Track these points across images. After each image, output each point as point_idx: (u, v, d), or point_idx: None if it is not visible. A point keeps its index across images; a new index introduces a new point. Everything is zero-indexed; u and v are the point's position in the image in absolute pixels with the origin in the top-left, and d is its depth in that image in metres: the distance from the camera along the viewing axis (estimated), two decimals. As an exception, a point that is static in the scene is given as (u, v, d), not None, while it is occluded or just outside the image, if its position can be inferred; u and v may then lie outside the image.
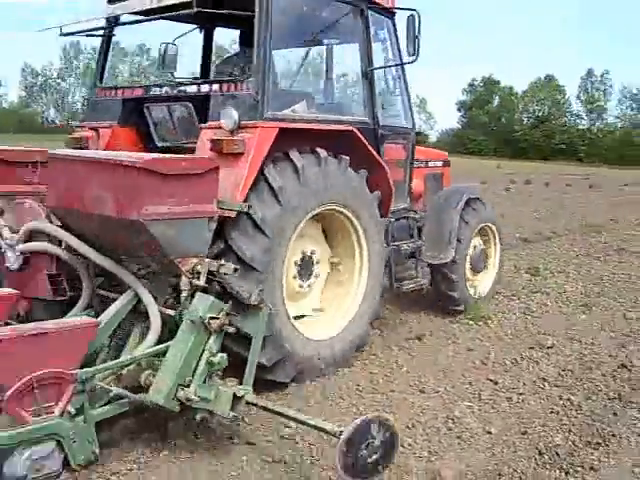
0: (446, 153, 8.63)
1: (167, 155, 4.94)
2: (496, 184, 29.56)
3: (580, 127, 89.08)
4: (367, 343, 6.47)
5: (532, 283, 9.60)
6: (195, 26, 7.05)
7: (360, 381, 5.71)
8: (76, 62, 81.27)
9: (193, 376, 4.05)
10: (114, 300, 4.58)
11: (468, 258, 7.72)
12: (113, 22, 6.36)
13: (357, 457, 3.56)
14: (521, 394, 5.54)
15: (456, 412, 5.10)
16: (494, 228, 8.22)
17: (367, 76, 6.35)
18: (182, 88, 5.90)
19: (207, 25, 7.12)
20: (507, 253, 10.41)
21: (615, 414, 5.17)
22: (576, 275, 10.37)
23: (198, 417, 4.14)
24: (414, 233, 7.26)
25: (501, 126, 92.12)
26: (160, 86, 6.10)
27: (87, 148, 6.06)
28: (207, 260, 4.40)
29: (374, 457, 3.65)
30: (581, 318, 7.97)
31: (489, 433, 4.78)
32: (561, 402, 5.37)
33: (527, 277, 10.09)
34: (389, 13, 6.76)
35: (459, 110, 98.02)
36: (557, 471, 4.24)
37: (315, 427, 4.05)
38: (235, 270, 4.36)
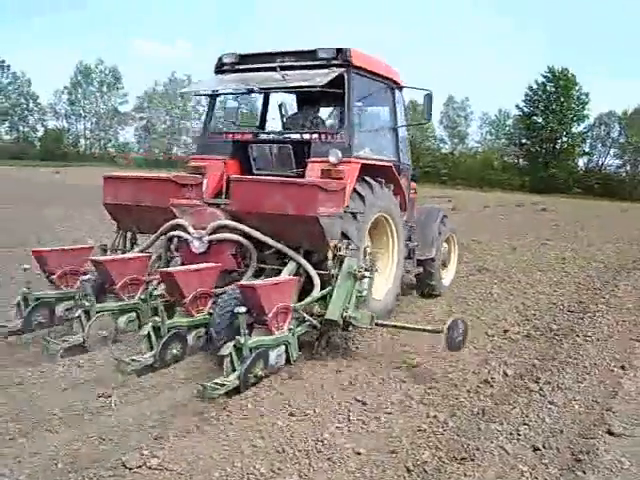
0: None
1: (326, 179, 7.58)
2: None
3: (443, 151, 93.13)
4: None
5: (399, 304, 9.84)
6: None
7: (228, 406, 5.62)
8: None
9: (349, 304, 6.84)
10: (272, 270, 7.35)
11: (440, 257, 10.65)
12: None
13: (452, 339, 6.74)
14: (389, 413, 5.65)
15: (326, 434, 5.12)
16: (454, 236, 11.53)
17: (394, 130, 9.66)
18: (286, 135, 9.31)
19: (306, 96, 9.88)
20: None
21: (479, 429, 5.39)
22: (441, 295, 10.75)
23: (350, 328, 7.04)
24: (411, 237, 9.79)
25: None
26: (267, 133, 9.86)
27: (204, 175, 8.56)
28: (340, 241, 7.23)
29: (459, 341, 6.86)
30: (446, 336, 8.25)
31: (358, 454, 4.84)
32: (428, 420, 5.53)
33: (395, 297, 10.33)
34: (400, 88, 9.81)
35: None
36: (425, 488, 4.35)
37: (424, 330, 7.41)
38: (348, 246, 7.23)
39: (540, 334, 8.62)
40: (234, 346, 5.94)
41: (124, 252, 8.33)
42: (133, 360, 6.23)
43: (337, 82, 8.15)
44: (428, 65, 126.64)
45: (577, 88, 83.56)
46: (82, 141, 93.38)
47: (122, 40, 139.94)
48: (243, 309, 5.89)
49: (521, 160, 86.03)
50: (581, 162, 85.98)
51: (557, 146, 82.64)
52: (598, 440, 5.21)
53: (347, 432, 5.24)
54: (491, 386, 6.46)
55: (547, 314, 9.85)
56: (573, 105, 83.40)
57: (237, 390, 5.84)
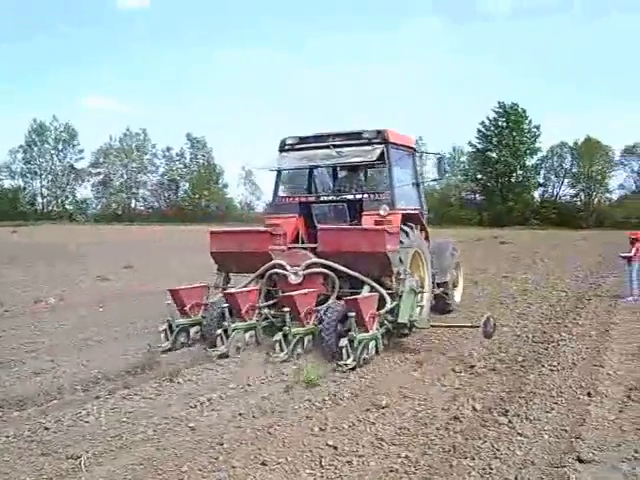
0: None
1: (388, 225, 10.06)
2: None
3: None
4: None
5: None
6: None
7: (201, 458, 5.59)
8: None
9: (412, 312, 9.59)
10: (350, 293, 9.65)
11: (452, 280, 13.08)
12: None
13: (486, 330, 9.41)
14: (361, 456, 5.67)
15: (298, 482, 5.12)
16: (460, 263, 14.22)
17: (417, 185, 12.63)
18: (343, 196, 11.56)
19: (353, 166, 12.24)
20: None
21: (451, 466, 5.44)
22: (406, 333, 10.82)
23: (413, 329, 9.79)
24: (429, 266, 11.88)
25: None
26: (327, 195, 12.04)
27: (279, 228, 10.93)
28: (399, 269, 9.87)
29: (492, 330, 9.57)
30: (413, 375, 8.36)
31: (332, 499, 4.83)
32: (399, 460, 5.57)
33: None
34: (417, 153, 13.36)
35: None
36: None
37: (465, 326, 10.55)
38: (405, 272, 9.91)
39: (506, 367, 8.75)
40: (349, 340, 8.58)
41: (224, 289, 10.64)
42: (274, 357, 8.88)
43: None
44: (381, 106, 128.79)
45: (528, 121, 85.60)
46: (39, 199, 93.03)
47: (74, 96, 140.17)
48: (353, 314, 8.58)
49: (478, 195, 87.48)
50: (536, 194, 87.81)
51: (512, 179, 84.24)
52: (569, 468, 5.29)
53: (320, 478, 5.24)
54: (460, 422, 6.53)
55: (512, 346, 10.01)
56: (525, 138, 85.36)
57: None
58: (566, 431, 6.25)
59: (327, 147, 11.40)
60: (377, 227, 10.06)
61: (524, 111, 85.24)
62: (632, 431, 6.24)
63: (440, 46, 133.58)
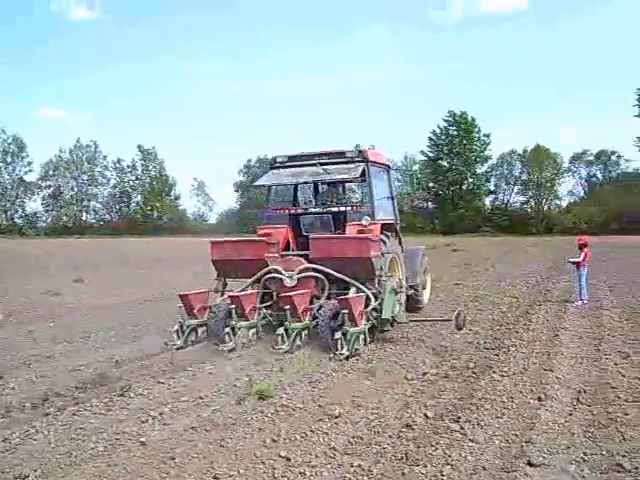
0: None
1: (370, 234, 11.37)
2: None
3: (354, 200, 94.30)
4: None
5: (321, 355, 9.98)
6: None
7: (152, 473, 5.51)
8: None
9: (393, 308, 10.89)
10: (337, 294, 10.91)
11: (421, 282, 14.46)
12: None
13: (458, 322, 10.82)
14: (314, 467, 5.66)
15: (250, 495, 5.08)
16: (428, 268, 15.88)
17: (392, 198, 13.99)
18: (329, 209, 12.74)
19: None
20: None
21: (403, 473, 5.48)
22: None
23: (394, 324, 11.27)
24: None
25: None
26: (315, 207, 13.16)
27: (272, 237, 12.27)
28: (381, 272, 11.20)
29: (462, 323, 10.99)
30: (366, 384, 8.37)
31: (284, 512, 4.81)
32: (352, 469, 5.57)
33: (315, 350, 10.38)
34: (391, 168, 14.72)
35: (236, 190, 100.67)
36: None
37: (438, 320, 12.00)
38: (385, 275, 11.24)
39: (458, 374, 8.83)
40: (342, 333, 9.88)
41: (223, 293, 12.15)
42: (277, 349, 10.18)
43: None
44: (334, 116, 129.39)
45: (478, 130, 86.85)
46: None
47: (25, 108, 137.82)
48: (346, 311, 9.96)
49: (430, 203, 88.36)
50: (487, 201, 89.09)
51: (463, 187, 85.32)
52: (519, 472, 5.38)
53: (272, 490, 5.20)
54: (413, 429, 6.56)
55: (464, 353, 10.11)
56: (476, 146, 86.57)
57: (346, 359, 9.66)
58: (517, 436, 6.33)
59: (314, 165, 12.60)
60: (361, 236, 11.39)
61: (474, 120, 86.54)
62: (581, 434, 6.36)
63: (391, 56, 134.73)
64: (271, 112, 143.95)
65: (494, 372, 8.76)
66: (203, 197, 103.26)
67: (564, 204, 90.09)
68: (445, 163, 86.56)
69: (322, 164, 12.50)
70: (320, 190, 14.03)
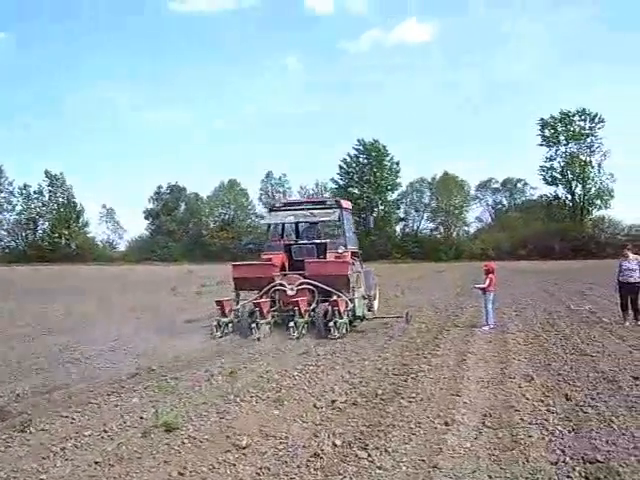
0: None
1: (343, 259, 16.14)
2: (188, 288, 30.04)
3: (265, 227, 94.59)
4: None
5: (227, 384, 9.88)
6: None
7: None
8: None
9: (362, 309, 16.70)
10: (324, 300, 15.51)
11: (373, 294, 18.56)
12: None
13: (407, 318, 16.68)
14: (219, 500, 5.54)
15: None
16: (377, 284, 20.32)
17: (355, 233, 19.41)
18: (315, 241, 17.24)
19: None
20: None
21: (311, 504, 5.40)
22: (269, 370, 10.80)
23: (363, 320, 16.95)
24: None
25: (190, 231, 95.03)
26: (302, 240, 17.79)
27: (274, 261, 16.69)
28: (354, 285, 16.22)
29: (409, 319, 16.79)
30: (274, 413, 8.29)
31: None
32: (259, 502, 5.47)
33: (222, 379, 10.28)
34: (353, 210, 20.09)
35: (147, 218, 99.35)
36: None
37: (392, 316, 17.58)
38: (356, 286, 16.41)
39: (366, 400, 8.86)
40: (334, 322, 14.43)
41: (238, 302, 16.60)
42: (290, 336, 14.39)
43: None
44: (243, 143, 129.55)
45: (389, 158, 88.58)
46: None
47: None
48: (336, 308, 14.61)
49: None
50: (398, 228, 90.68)
51: (374, 214, 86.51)
52: (426, 499, 5.40)
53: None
54: (321, 458, 6.54)
55: (373, 380, 10.17)
56: (386, 174, 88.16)
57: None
58: (424, 461, 6.40)
59: (302, 209, 17.83)
60: (340, 260, 16.29)
61: (385, 147, 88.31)
62: (486, 457, 6.49)
63: (301, 85, 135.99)
64: (182, 140, 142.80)
65: (402, 398, 8.86)
66: (112, 224, 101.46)
67: (472, 230, 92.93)
68: (356, 191, 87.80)
69: (309, 209, 17.68)
70: (301, 227, 18.79)
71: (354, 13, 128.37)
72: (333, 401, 8.80)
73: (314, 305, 15.52)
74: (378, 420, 7.86)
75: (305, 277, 15.84)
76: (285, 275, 16.49)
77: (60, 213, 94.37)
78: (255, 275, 16.35)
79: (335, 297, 15.19)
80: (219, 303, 15.90)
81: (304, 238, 18.03)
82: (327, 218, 17.37)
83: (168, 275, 48.14)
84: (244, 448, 6.89)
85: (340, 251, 16.44)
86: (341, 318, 14.68)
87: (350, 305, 15.58)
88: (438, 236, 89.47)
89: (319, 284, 15.57)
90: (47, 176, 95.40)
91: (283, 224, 18.73)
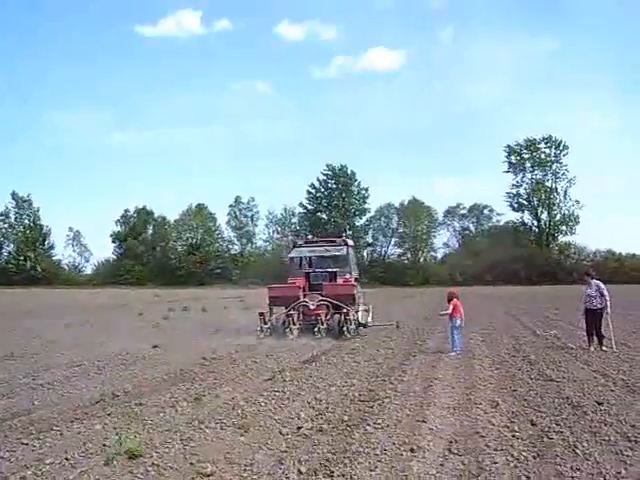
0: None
1: (350, 283, 22.71)
2: (154, 313, 29.73)
3: (233, 252, 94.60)
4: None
5: (192, 410, 9.78)
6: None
7: None
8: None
9: (366, 318, 23.19)
10: (336, 312, 21.95)
11: (368, 310, 24.07)
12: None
13: (398, 325, 23.38)
14: (180, 531, 5.46)
15: None
16: (368, 299, 25.45)
17: (357, 263, 26.76)
18: (327, 270, 23.30)
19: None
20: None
21: (274, 533, 5.34)
22: (234, 397, 10.71)
23: (366, 327, 22.78)
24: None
25: (157, 255, 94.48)
26: (317, 268, 23.76)
27: (297, 283, 22.57)
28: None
29: (400, 326, 23.34)
30: (239, 440, 8.19)
31: None
32: (221, 531, 5.40)
33: (186, 405, 10.17)
34: (353, 245, 27.31)
35: (114, 241, 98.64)
36: None
37: (383, 324, 23.70)
38: (361, 300, 23.71)
39: (333, 427, 8.79)
40: (346, 328, 20.63)
41: (272, 313, 21.64)
42: (316, 337, 19.53)
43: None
44: (213, 167, 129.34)
45: (357, 183, 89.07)
46: None
47: None
48: (349, 317, 20.95)
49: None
50: (365, 253, 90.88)
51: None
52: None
53: None
54: (286, 486, 6.47)
55: (339, 406, 10.11)
56: (354, 200, 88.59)
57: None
58: (389, 489, 6.37)
59: (319, 246, 23.98)
60: (348, 283, 22.20)
61: (354, 173, 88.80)
62: (451, 484, 6.47)
63: (271, 109, 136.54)
64: (149, 163, 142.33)
65: (368, 424, 8.81)
66: (79, 247, 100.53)
67: (440, 256, 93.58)
68: (324, 215, 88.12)
69: (324, 245, 23.90)
70: (315, 259, 24.06)
71: (324, 39, 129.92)
72: (299, 427, 8.73)
73: (329, 316, 21.06)
74: (344, 447, 7.80)
75: (322, 295, 21.35)
76: (305, 295, 21.64)
77: (26, 235, 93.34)
78: (285, 294, 21.65)
79: (345, 310, 21.01)
80: (260, 314, 20.96)
81: (318, 267, 23.58)
82: (337, 253, 23.27)
83: (137, 298, 47.62)
84: (209, 476, 6.77)
85: (347, 277, 22.49)
86: (350, 324, 20.63)
87: (356, 315, 21.46)
88: (405, 261, 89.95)
89: (333, 301, 21.23)
90: (13, 198, 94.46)
91: (302, 257, 24.09)
